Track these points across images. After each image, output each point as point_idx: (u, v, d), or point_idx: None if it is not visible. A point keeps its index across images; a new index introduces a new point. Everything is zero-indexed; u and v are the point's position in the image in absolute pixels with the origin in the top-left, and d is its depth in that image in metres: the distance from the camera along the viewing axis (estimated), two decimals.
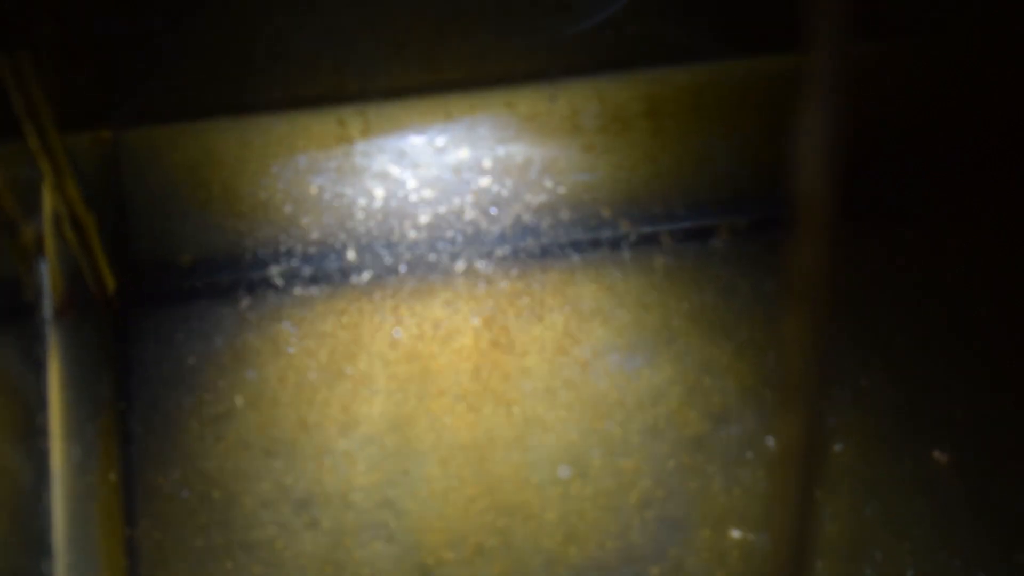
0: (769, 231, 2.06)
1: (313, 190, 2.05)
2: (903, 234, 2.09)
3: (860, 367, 2.02)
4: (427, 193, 2.06)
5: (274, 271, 2.03)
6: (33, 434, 1.79)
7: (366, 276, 2.03)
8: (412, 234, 2.04)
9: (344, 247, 2.04)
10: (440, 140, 2.07)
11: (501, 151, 2.06)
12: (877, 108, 2.08)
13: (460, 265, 2.03)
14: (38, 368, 1.81)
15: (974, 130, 2.12)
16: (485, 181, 2.06)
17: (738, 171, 2.08)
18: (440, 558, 1.93)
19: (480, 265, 2.03)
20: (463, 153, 2.06)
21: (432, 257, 2.03)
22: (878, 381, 2.02)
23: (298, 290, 2.02)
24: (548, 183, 2.07)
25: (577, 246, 2.05)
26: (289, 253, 2.03)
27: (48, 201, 1.82)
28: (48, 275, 1.83)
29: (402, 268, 2.03)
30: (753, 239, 2.06)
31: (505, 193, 2.06)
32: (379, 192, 2.06)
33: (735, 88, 2.09)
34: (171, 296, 2.01)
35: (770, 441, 1.97)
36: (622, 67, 2.07)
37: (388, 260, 2.03)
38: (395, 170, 2.06)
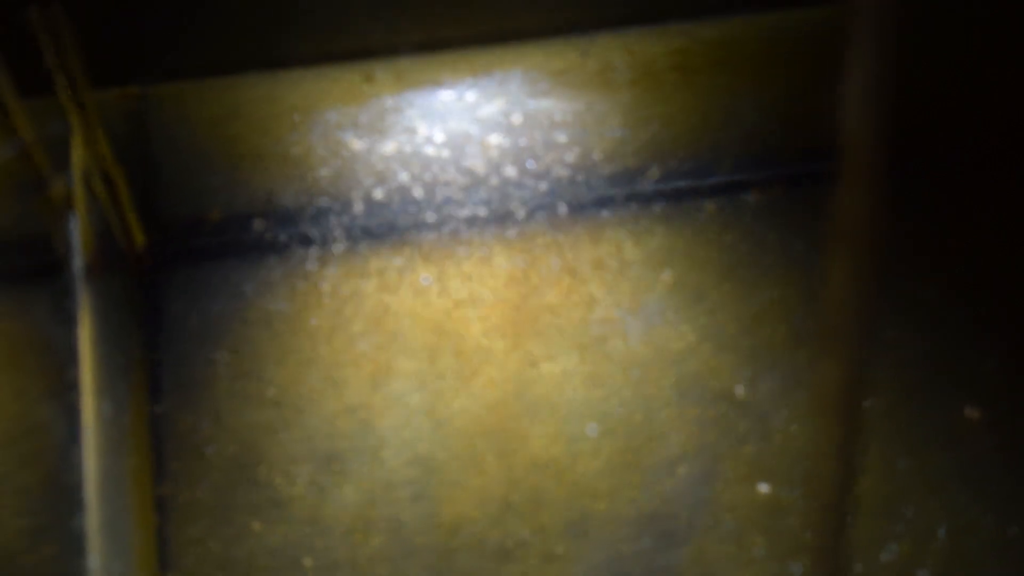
0: (799, 186, 2.05)
1: (342, 145, 2.04)
2: (931, 186, 2.08)
3: (888, 321, 2.01)
4: (457, 148, 2.05)
5: (303, 227, 2.02)
6: (65, 389, 1.79)
7: (396, 232, 2.02)
8: (441, 189, 2.03)
9: (374, 202, 2.03)
10: (471, 95, 2.05)
11: (532, 105, 2.05)
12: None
13: (490, 220, 2.03)
14: (69, 323, 1.81)
15: None
16: (515, 136, 2.05)
17: (767, 126, 2.07)
18: (470, 515, 1.93)
19: (510, 220, 2.03)
20: (494, 107, 2.05)
21: (462, 212, 2.03)
22: (907, 335, 2.01)
23: (327, 246, 2.01)
24: (579, 138, 2.06)
25: (608, 201, 2.04)
26: (317, 208, 2.03)
27: (78, 156, 1.81)
28: (78, 231, 1.82)
29: (432, 223, 2.02)
30: (782, 194, 2.05)
31: (535, 148, 2.05)
32: (408, 147, 2.05)
33: (764, 42, 2.08)
34: (200, 252, 2.01)
35: (803, 395, 1.96)
36: (653, 21, 2.05)
37: (418, 215, 2.03)
38: (425, 125, 2.04)
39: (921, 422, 1.98)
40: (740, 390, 1.98)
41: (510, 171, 2.04)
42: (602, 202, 2.04)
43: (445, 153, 2.04)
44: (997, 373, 1.99)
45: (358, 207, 2.03)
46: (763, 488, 1.95)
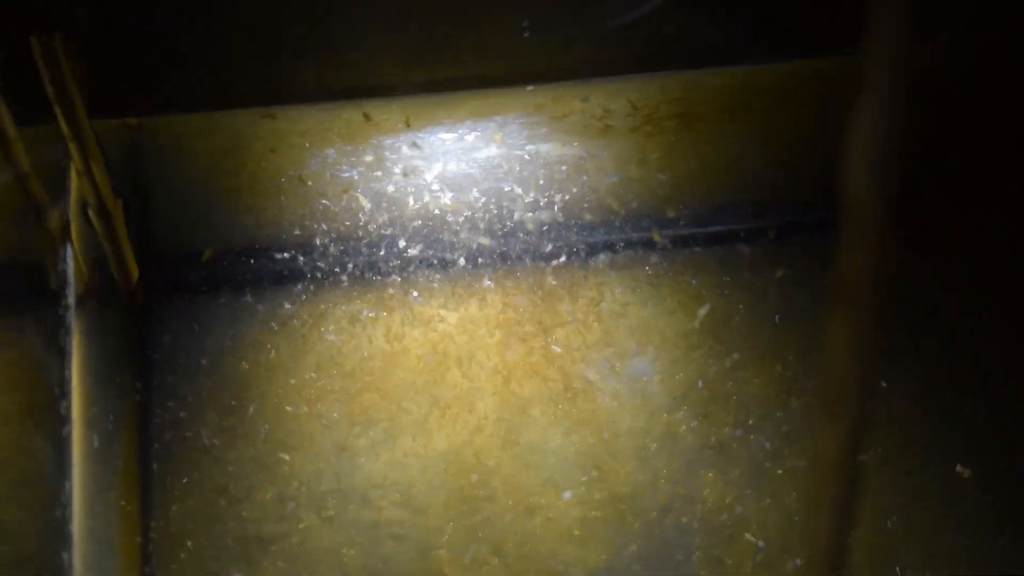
0: (802, 236, 2.05)
1: (340, 183, 2.04)
2: (921, 236, 2.07)
3: (881, 374, 2.01)
4: (455, 190, 2.05)
5: (298, 263, 2.01)
6: (55, 421, 1.78)
7: (391, 271, 2.02)
8: (438, 231, 2.03)
9: (370, 242, 2.03)
10: (470, 137, 2.05)
11: (531, 149, 2.05)
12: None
13: (486, 264, 2.02)
14: (61, 355, 1.80)
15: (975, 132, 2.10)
16: (513, 179, 2.05)
17: (771, 176, 2.07)
18: (456, 560, 1.92)
19: (505, 263, 2.02)
20: (493, 150, 2.05)
21: (457, 256, 2.02)
22: (900, 389, 2.01)
23: (322, 283, 2.01)
24: (578, 183, 2.05)
25: (605, 248, 2.04)
26: (313, 245, 2.02)
27: (75, 186, 1.81)
28: (72, 262, 1.82)
29: (427, 264, 2.02)
30: (783, 246, 2.05)
31: (533, 192, 2.05)
32: (406, 187, 2.04)
33: (770, 92, 2.08)
34: (194, 286, 2.00)
35: (796, 448, 1.96)
36: (656, 68, 2.06)
37: (413, 256, 2.02)
38: (423, 165, 2.05)
39: (912, 477, 1.97)
40: (732, 441, 1.97)
41: (506, 214, 2.04)
42: (599, 248, 2.04)
43: (443, 194, 2.04)
44: (990, 430, 1.99)
45: (354, 245, 2.02)
46: (753, 540, 1.94)
